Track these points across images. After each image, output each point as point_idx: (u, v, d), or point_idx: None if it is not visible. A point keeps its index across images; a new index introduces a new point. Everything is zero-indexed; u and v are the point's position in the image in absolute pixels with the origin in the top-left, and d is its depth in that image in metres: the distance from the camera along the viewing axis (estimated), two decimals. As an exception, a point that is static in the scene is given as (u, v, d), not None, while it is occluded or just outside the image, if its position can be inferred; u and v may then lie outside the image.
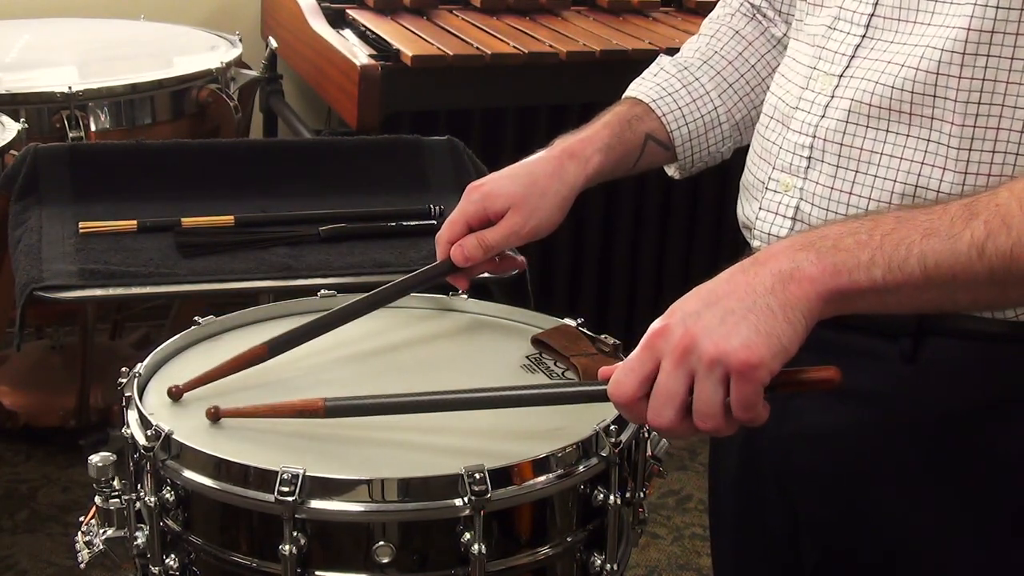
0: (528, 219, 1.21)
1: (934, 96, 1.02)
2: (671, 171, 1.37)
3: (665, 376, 0.90)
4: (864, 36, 1.08)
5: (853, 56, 1.08)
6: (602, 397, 0.96)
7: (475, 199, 1.22)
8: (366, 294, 1.22)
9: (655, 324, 0.92)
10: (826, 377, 0.94)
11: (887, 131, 1.05)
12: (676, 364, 0.89)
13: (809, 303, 0.89)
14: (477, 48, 2.52)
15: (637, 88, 1.33)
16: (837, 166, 1.08)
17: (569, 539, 1.03)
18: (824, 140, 1.09)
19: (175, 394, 1.09)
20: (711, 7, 1.40)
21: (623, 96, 1.34)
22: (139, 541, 1.05)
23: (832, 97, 1.09)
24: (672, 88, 1.31)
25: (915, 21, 1.04)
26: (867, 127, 1.06)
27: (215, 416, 1.05)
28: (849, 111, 1.07)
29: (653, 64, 1.36)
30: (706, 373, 0.88)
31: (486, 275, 1.29)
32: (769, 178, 1.14)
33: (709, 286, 0.92)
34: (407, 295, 1.27)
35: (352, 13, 2.76)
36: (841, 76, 1.08)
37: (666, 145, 1.30)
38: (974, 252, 0.88)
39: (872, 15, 1.07)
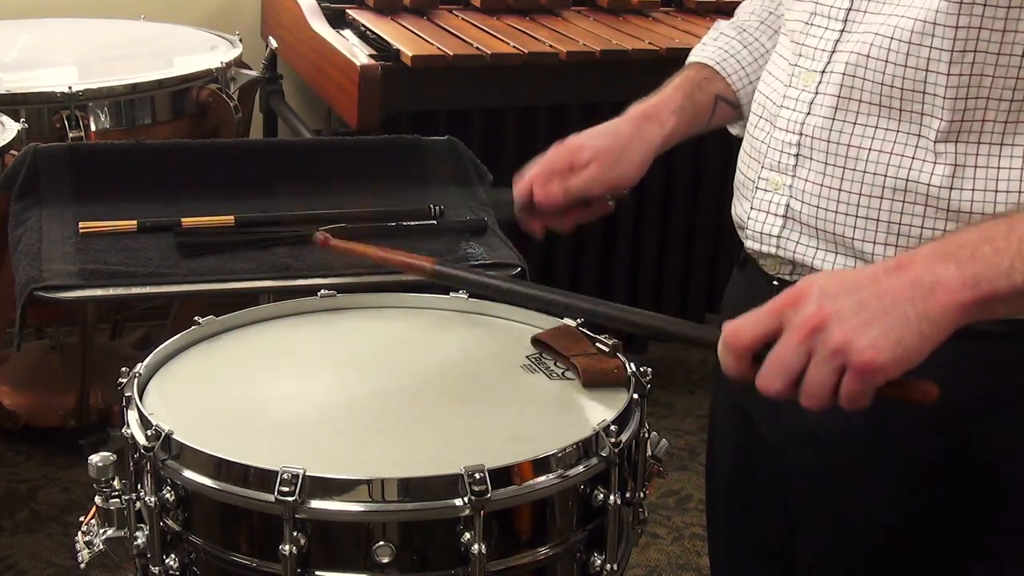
0: (611, 169, 1.25)
1: (923, 92, 1.02)
2: (735, 129, 1.39)
3: (787, 347, 0.90)
4: (843, 31, 1.08)
5: (834, 52, 1.08)
6: (711, 340, 0.95)
7: (561, 151, 1.26)
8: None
9: (789, 290, 0.92)
10: (926, 394, 0.94)
11: (875, 127, 1.05)
12: (801, 340, 0.89)
13: (948, 315, 0.88)
14: (477, 48, 2.52)
15: (700, 53, 1.36)
16: (825, 163, 1.08)
17: (569, 539, 1.03)
18: (811, 137, 1.09)
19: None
20: (711, 7, 1.41)
21: (687, 62, 1.37)
22: (139, 541, 1.05)
23: (816, 94, 1.09)
24: (734, 50, 1.33)
25: (891, 14, 1.04)
26: (854, 123, 1.06)
27: (324, 241, 1.12)
28: (836, 108, 1.07)
29: (712, 29, 1.39)
30: (826, 358, 0.88)
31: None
32: (759, 177, 1.15)
33: (851, 274, 0.92)
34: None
35: (352, 13, 2.76)
36: (823, 72, 1.09)
37: (734, 104, 1.33)
38: None
39: (850, 8, 1.07)
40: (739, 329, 0.92)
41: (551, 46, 2.58)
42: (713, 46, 1.35)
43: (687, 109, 1.30)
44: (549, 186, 1.24)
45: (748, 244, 1.17)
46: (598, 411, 1.09)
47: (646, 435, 1.12)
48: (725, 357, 0.94)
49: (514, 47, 2.54)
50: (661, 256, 2.91)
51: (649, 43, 2.67)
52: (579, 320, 1.23)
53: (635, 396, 1.10)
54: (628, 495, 1.08)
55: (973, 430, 1.07)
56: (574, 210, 1.27)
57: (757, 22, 1.35)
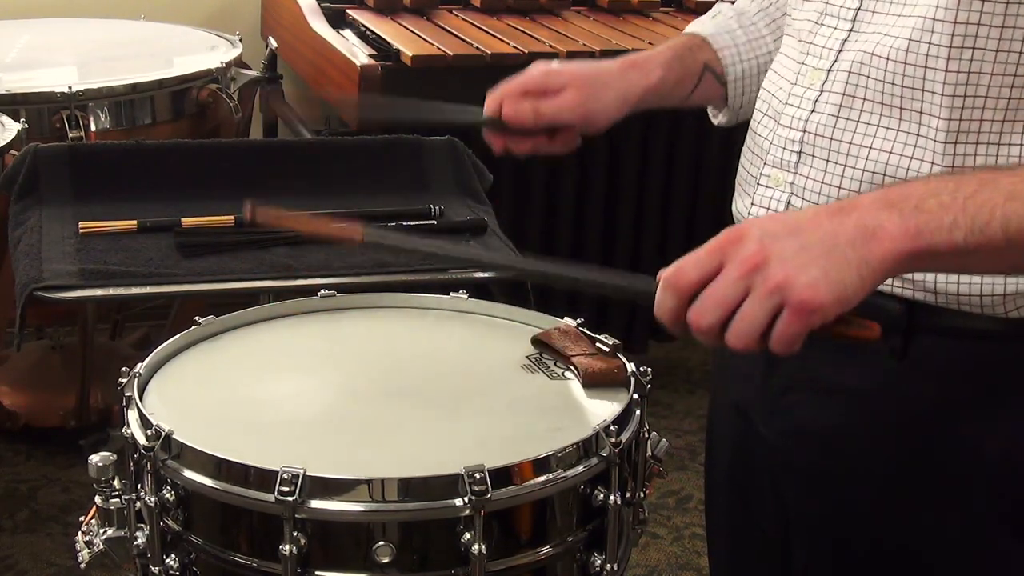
0: (585, 100, 1.23)
1: (922, 90, 1.02)
2: (720, 118, 1.38)
3: (724, 281, 0.89)
4: (851, 31, 1.08)
5: (840, 51, 1.09)
6: (647, 289, 0.94)
7: (538, 72, 1.25)
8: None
9: (730, 230, 0.91)
10: (866, 335, 0.92)
11: (877, 125, 1.05)
12: (740, 275, 0.88)
13: (886, 262, 0.88)
14: (477, 48, 2.52)
15: (696, 26, 1.36)
16: (827, 160, 1.08)
17: (569, 539, 1.03)
18: (814, 135, 1.09)
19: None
20: (711, 7, 1.40)
21: (682, 33, 1.36)
22: (139, 541, 1.05)
23: (821, 92, 1.09)
24: (729, 28, 1.33)
25: (899, 15, 1.04)
26: (857, 121, 1.07)
27: (252, 212, 1.05)
28: (840, 105, 1.07)
29: (712, 8, 1.38)
30: (763, 296, 0.87)
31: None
32: (761, 173, 1.15)
33: (793, 216, 0.91)
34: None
35: (352, 13, 2.76)
36: (829, 71, 1.09)
37: (721, 79, 1.32)
38: None
39: (859, 9, 1.08)
40: (681, 270, 0.91)
41: (551, 46, 2.58)
42: (710, 22, 1.36)
43: (674, 67, 1.29)
44: (520, 105, 1.23)
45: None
46: (598, 411, 1.09)
47: (646, 435, 1.12)
48: (665, 298, 0.92)
49: (514, 47, 2.54)
50: (661, 255, 2.91)
51: (649, 43, 2.67)
52: (579, 320, 1.23)
53: (635, 396, 1.10)
54: (628, 495, 1.08)
55: (969, 428, 1.07)
56: (539, 136, 1.26)
57: (756, 8, 1.35)
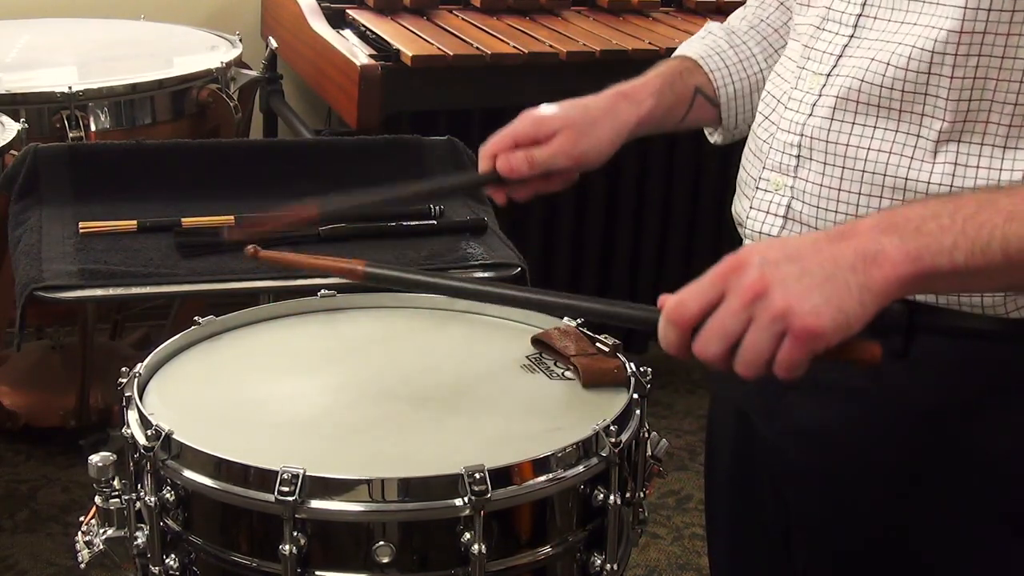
0: (578, 142, 1.22)
1: (925, 94, 1.02)
2: (715, 137, 1.38)
3: (726, 312, 0.89)
4: (852, 36, 1.08)
5: (841, 56, 1.09)
6: (652, 319, 0.94)
7: (527, 120, 1.23)
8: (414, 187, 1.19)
9: (730, 258, 0.91)
10: (871, 354, 0.93)
11: (874, 127, 1.05)
12: (742, 305, 0.88)
13: (887, 286, 0.88)
14: (477, 48, 2.52)
15: (685, 48, 1.35)
16: (825, 163, 1.08)
17: (569, 539, 1.03)
18: (812, 138, 1.09)
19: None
20: (711, 7, 1.41)
21: (672, 56, 1.35)
22: (139, 541, 1.06)
23: (819, 96, 1.09)
24: (720, 48, 1.33)
25: (902, 21, 1.04)
26: (853, 123, 1.07)
27: (255, 254, 1.07)
28: (834, 108, 1.07)
29: (702, 29, 1.38)
30: (766, 324, 0.87)
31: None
32: (760, 177, 1.15)
33: (793, 242, 0.91)
34: (446, 196, 1.25)
35: (352, 13, 2.76)
36: (828, 75, 1.09)
37: (713, 101, 1.32)
38: None
39: (860, 15, 1.08)
40: (683, 304, 0.91)
41: (551, 46, 2.58)
42: (700, 43, 1.35)
43: (665, 94, 1.28)
44: (513, 157, 1.22)
45: (746, 244, 1.17)
46: (598, 411, 1.09)
47: (646, 435, 1.12)
48: (668, 332, 0.92)
49: (514, 47, 2.54)
50: (661, 256, 2.91)
51: (649, 43, 2.67)
52: (579, 320, 1.23)
53: (635, 396, 1.10)
54: (628, 495, 1.08)
55: (969, 429, 1.07)
56: (536, 181, 1.24)
57: (747, 27, 1.34)
